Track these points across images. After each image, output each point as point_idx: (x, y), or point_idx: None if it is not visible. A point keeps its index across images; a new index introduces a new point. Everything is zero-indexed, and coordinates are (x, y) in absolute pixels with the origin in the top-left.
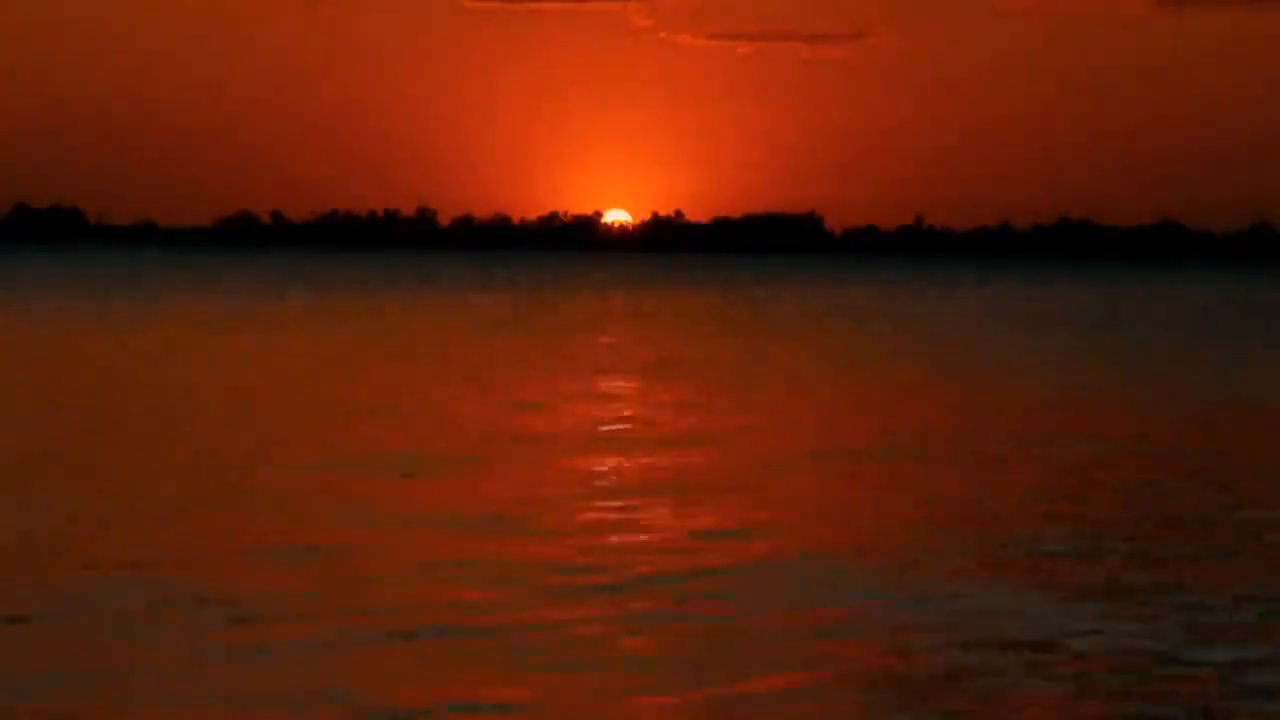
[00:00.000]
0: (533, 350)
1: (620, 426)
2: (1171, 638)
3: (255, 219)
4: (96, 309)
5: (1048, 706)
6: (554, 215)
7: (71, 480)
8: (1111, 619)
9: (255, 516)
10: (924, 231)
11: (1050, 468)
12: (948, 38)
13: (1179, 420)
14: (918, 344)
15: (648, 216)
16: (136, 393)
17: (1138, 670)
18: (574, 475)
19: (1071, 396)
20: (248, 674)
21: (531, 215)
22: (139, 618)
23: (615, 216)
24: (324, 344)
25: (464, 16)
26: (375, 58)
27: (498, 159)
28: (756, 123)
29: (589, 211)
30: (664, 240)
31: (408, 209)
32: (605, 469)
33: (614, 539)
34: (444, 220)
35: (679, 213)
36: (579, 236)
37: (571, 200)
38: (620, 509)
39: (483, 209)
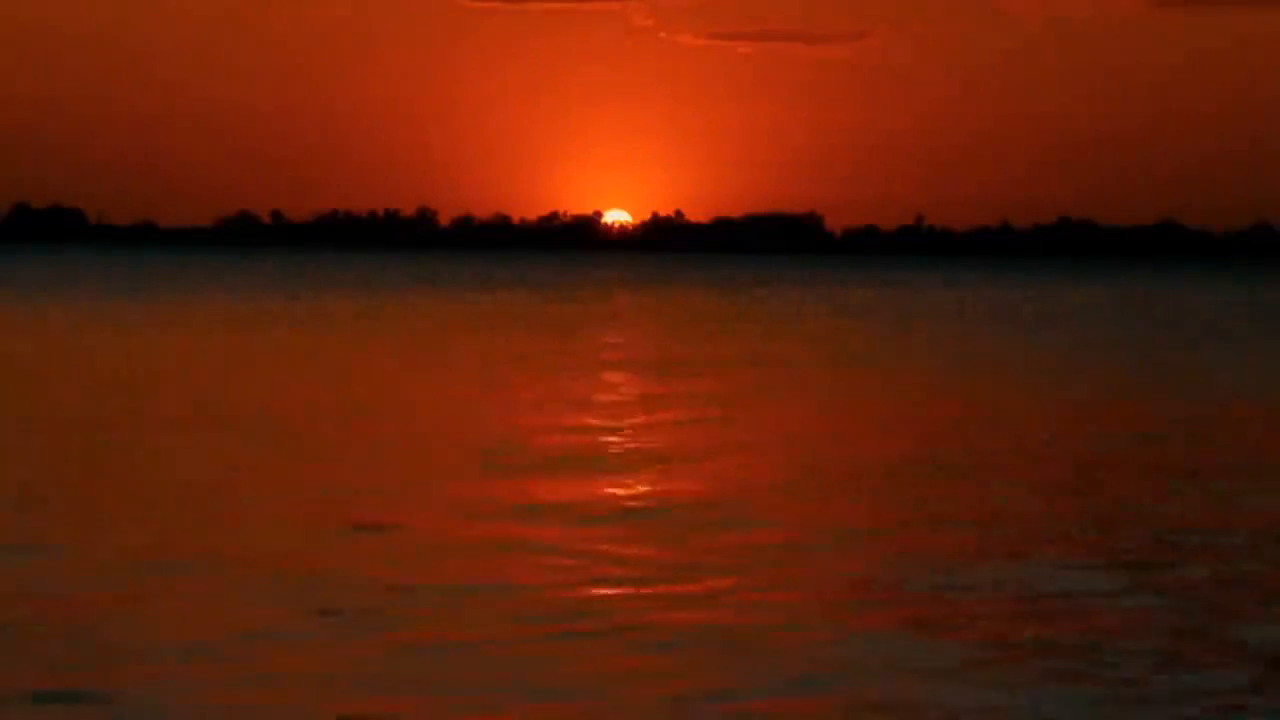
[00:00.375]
0: (534, 350)
1: (619, 440)
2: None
3: (255, 219)
4: (128, 309)
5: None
6: (554, 215)
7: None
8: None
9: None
10: (924, 231)
11: (1059, 468)
12: (949, 38)
13: (1182, 420)
14: (918, 343)
15: (648, 216)
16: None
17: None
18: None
19: (1076, 396)
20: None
21: (531, 215)
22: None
23: (615, 216)
24: (356, 344)
25: (464, 16)
26: (375, 58)
27: (498, 159)
28: (757, 123)
29: (589, 211)
30: (664, 240)
31: (408, 209)
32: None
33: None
34: (444, 220)
35: (679, 213)
36: (579, 236)
37: (571, 200)
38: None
39: (483, 209)
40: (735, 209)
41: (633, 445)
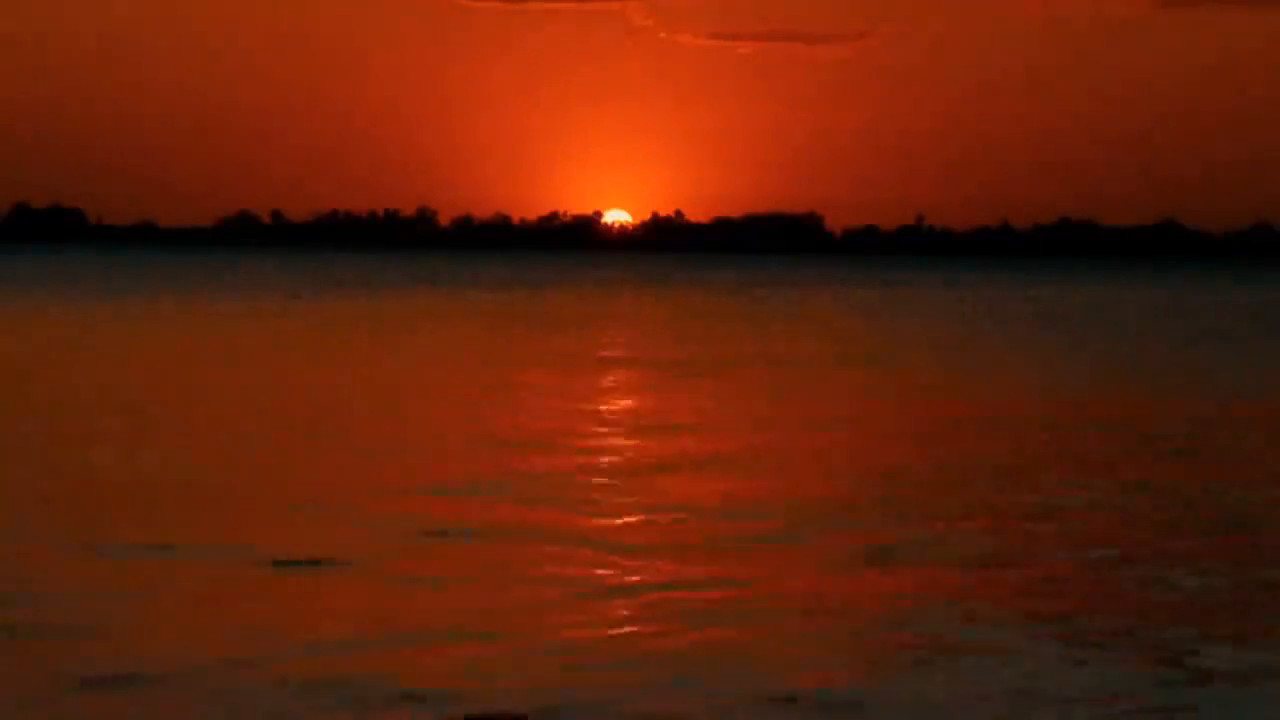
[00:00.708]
0: (534, 350)
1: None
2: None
3: (255, 219)
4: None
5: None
6: (554, 215)
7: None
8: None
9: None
10: (924, 231)
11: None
12: (950, 38)
13: (1188, 419)
14: (917, 344)
15: (648, 216)
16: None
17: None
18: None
19: (1077, 396)
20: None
21: (531, 215)
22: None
23: (615, 216)
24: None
25: (464, 16)
26: (375, 58)
27: (498, 159)
28: (757, 123)
29: (589, 211)
30: (664, 240)
31: (408, 209)
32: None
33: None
34: (444, 220)
35: (679, 213)
36: (579, 236)
37: (571, 200)
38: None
39: (483, 209)
40: (735, 209)
41: (637, 446)
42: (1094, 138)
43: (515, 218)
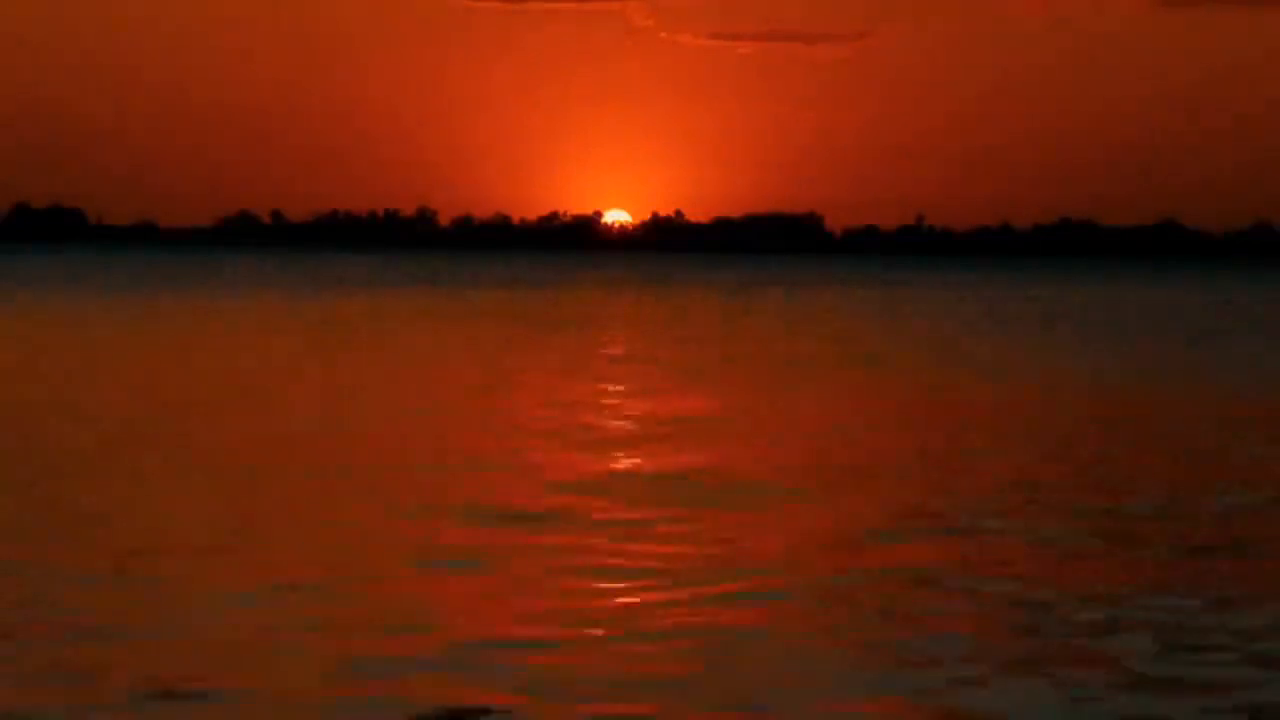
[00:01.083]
0: (541, 350)
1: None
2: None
3: (255, 219)
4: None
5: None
6: (554, 215)
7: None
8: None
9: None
10: (924, 231)
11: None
12: (948, 38)
13: (1193, 419)
14: (917, 343)
15: (648, 216)
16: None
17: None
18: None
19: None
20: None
21: (531, 215)
22: None
23: (615, 216)
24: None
25: (464, 16)
26: (376, 58)
27: (498, 159)
28: (757, 123)
29: (589, 211)
30: (664, 240)
31: (408, 209)
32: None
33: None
34: (444, 220)
35: (679, 213)
36: (579, 236)
37: (571, 200)
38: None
39: (483, 209)
40: (735, 209)
41: (638, 447)
42: (1094, 138)
43: (515, 218)
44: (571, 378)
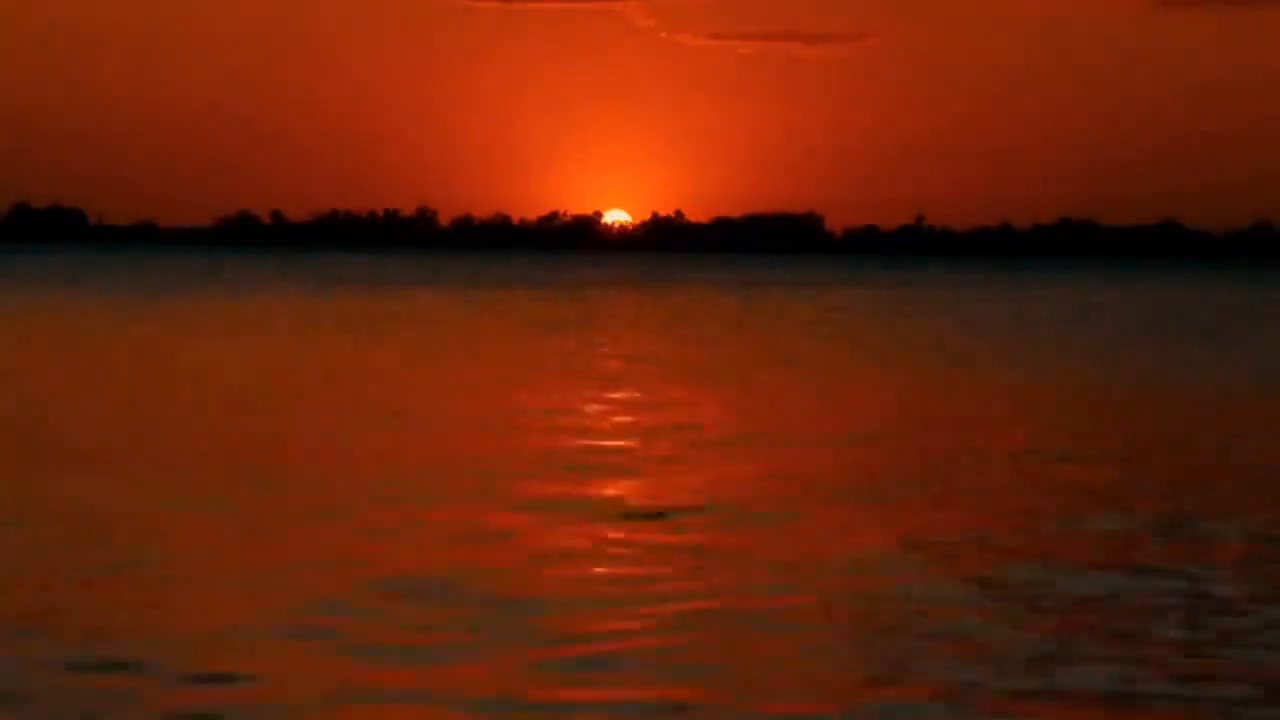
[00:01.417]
0: (546, 350)
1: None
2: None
3: (255, 219)
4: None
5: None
6: (554, 215)
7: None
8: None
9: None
10: (924, 231)
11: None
12: (948, 38)
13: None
14: (916, 345)
15: (648, 216)
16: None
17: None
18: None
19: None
20: None
21: (531, 215)
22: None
23: (615, 216)
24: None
25: (464, 16)
26: (376, 58)
27: (498, 159)
28: (757, 122)
29: (589, 211)
30: (664, 240)
31: (408, 209)
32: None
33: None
34: (444, 220)
35: (679, 213)
36: (579, 236)
37: (571, 200)
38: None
39: (483, 209)
40: (735, 209)
41: (650, 447)
42: (1094, 138)
43: (515, 218)
44: (571, 378)
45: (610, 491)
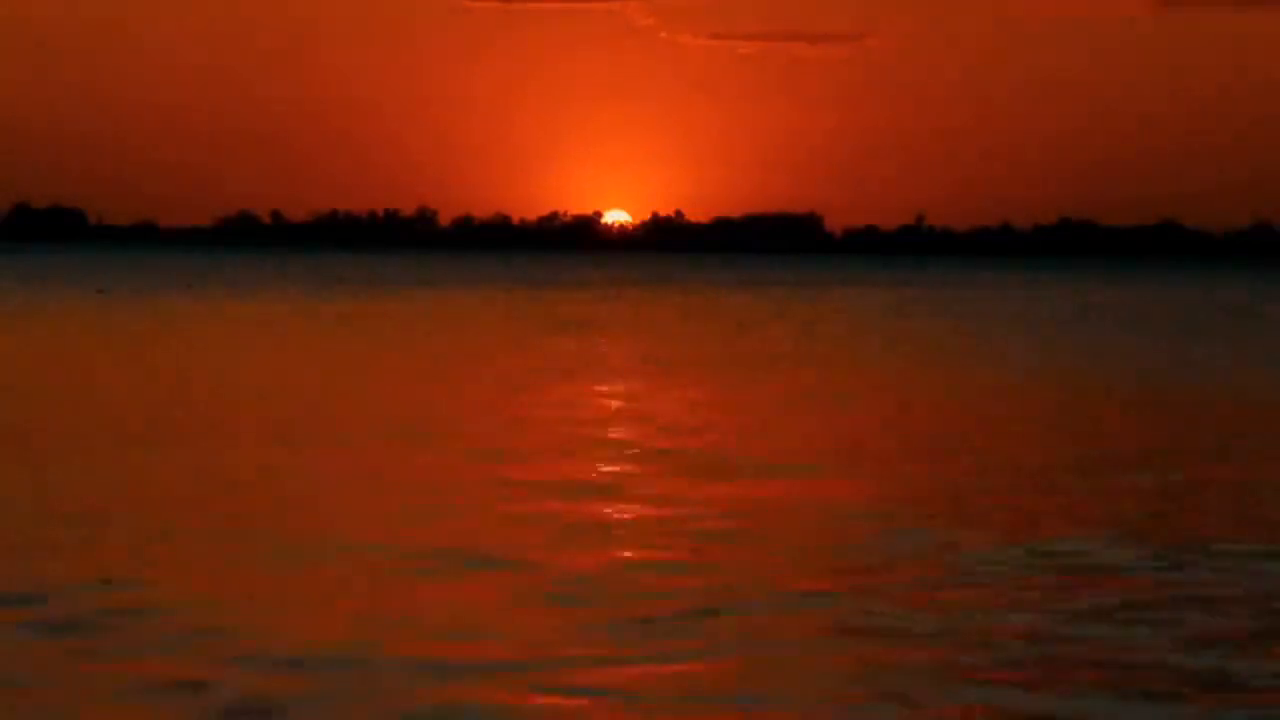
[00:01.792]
0: (551, 350)
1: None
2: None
3: (255, 219)
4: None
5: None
6: (554, 215)
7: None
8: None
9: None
10: (924, 231)
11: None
12: (948, 38)
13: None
14: (915, 344)
15: (648, 216)
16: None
17: None
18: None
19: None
20: None
21: (531, 215)
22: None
23: (615, 216)
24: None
25: (464, 16)
26: (376, 58)
27: (498, 159)
28: (757, 122)
29: (589, 211)
30: (664, 240)
31: (408, 209)
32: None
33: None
34: (444, 220)
35: (679, 213)
36: (579, 236)
37: (571, 200)
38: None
39: (483, 209)
40: (735, 209)
41: (644, 446)
42: (1094, 138)
43: (515, 218)
44: (571, 379)
45: (602, 489)
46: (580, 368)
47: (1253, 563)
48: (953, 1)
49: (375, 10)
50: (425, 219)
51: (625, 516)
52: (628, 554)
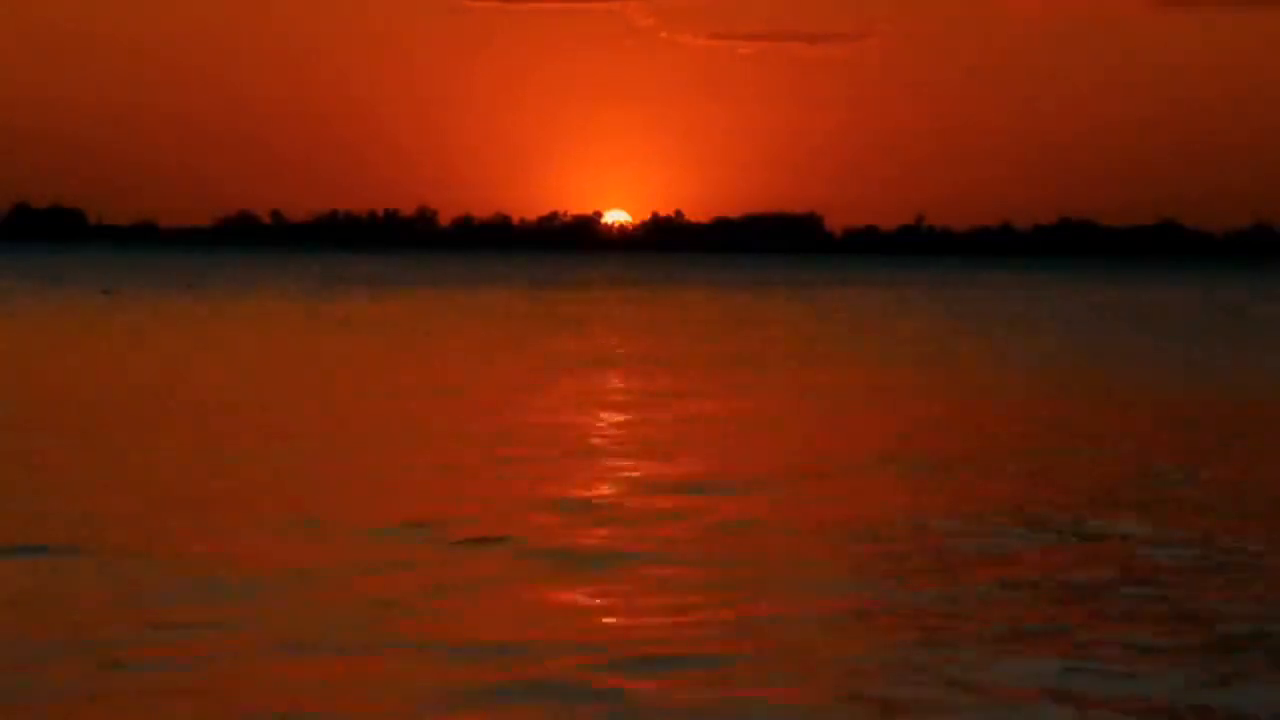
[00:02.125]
0: (556, 351)
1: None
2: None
3: (255, 219)
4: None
5: None
6: (554, 215)
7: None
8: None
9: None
10: (924, 231)
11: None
12: (948, 38)
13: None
14: (914, 343)
15: (648, 216)
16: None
17: None
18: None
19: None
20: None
21: (531, 215)
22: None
23: (615, 216)
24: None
25: (464, 16)
26: (375, 57)
27: (498, 159)
28: (757, 123)
29: (589, 211)
30: (664, 240)
31: (408, 209)
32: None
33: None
34: (444, 220)
35: (679, 213)
36: (579, 236)
37: (571, 200)
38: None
39: (483, 209)
40: (735, 209)
41: (662, 442)
42: (1093, 138)
43: (515, 218)
44: (570, 379)
45: (616, 477)
46: (580, 367)
47: (1253, 563)
48: (953, 1)
49: (375, 10)
50: (425, 219)
51: (625, 516)
52: (633, 547)
